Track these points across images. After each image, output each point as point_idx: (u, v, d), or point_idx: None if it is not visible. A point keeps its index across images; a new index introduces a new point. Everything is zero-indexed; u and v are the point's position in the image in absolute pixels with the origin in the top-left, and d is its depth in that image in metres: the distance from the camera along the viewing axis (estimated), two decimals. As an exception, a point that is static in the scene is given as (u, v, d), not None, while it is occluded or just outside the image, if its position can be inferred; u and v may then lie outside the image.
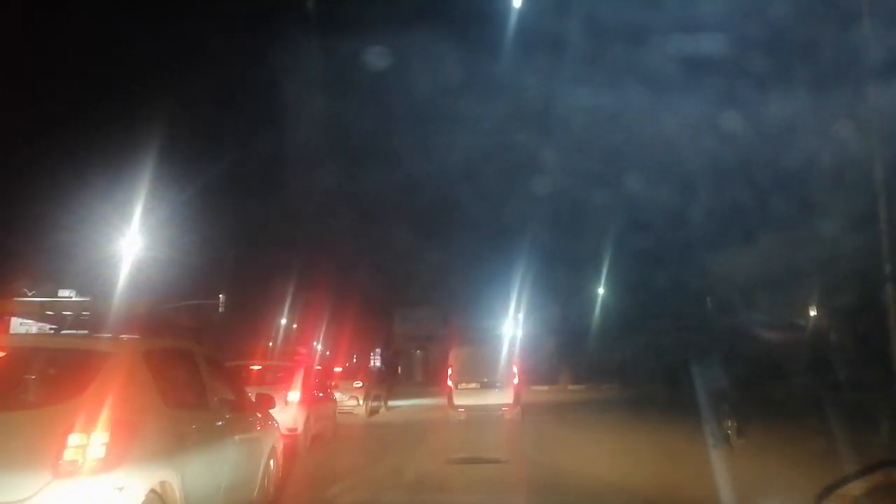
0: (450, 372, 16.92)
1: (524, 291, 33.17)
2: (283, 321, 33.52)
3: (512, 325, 32.87)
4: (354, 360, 38.07)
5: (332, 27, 32.54)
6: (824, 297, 21.33)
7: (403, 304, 49.02)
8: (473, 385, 16.63)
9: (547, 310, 36.27)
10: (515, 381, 16.63)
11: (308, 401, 10.95)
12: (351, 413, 18.49)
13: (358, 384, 19.61)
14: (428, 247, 46.99)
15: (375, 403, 20.86)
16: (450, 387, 16.72)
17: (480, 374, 16.68)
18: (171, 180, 23.01)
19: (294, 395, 10.57)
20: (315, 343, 36.89)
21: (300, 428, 10.37)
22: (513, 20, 19.44)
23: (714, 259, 30.89)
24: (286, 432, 10.08)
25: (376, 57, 21.23)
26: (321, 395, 12.85)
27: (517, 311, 33.41)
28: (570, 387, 32.38)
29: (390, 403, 23.02)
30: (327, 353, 40.74)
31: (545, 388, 31.02)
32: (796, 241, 21.70)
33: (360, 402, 19.26)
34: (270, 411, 6.86)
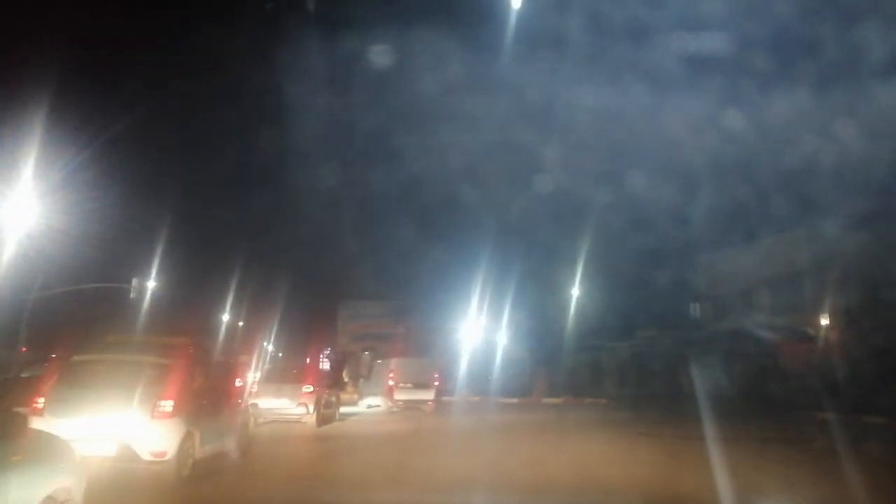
0: (391, 374, 23.17)
1: (493, 292, 30.55)
2: (224, 316, 30.09)
3: (474, 328, 31.43)
4: (308, 361, 34.50)
5: (333, 25, 30.71)
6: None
7: (350, 297, 44.21)
8: (409, 385, 22.87)
9: (520, 313, 33.02)
10: (436, 383, 23.39)
11: (189, 411, 7.75)
12: (299, 422, 16.28)
13: (308, 388, 16.68)
14: (391, 241, 44.06)
15: (327, 411, 18.34)
16: (391, 386, 22.89)
17: (413, 377, 23.07)
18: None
19: (166, 403, 7.42)
20: (266, 343, 33.63)
21: (171, 452, 7.24)
22: (516, 19, 19.81)
23: (711, 258, 28.73)
24: (150, 457, 7.14)
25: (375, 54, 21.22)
26: (224, 403, 9.61)
27: (483, 312, 31.19)
28: (545, 400, 28.91)
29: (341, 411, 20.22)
30: (278, 351, 37.60)
31: (514, 400, 27.81)
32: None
33: (310, 409, 16.47)
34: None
